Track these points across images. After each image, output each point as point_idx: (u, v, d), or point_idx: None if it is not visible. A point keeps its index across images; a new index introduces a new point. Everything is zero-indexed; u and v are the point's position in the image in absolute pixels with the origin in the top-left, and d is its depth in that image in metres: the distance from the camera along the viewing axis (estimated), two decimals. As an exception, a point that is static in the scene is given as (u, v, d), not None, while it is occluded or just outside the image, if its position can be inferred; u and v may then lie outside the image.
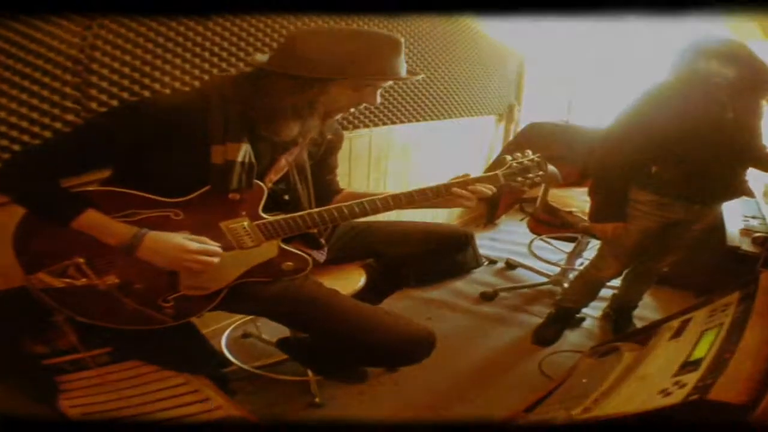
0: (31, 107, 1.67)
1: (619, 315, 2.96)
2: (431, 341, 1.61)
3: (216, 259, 1.47)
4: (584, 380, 1.90)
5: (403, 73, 1.48)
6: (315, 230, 1.65)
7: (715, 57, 2.03)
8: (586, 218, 2.80)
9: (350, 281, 1.85)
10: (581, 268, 3.09)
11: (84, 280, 1.45)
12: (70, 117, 1.75)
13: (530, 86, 4.75)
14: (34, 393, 1.51)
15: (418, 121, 3.49)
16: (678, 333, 1.83)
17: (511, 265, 3.77)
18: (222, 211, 1.49)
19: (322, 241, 1.74)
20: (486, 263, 3.76)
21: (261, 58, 1.51)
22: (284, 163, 1.60)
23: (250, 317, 2.56)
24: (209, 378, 1.66)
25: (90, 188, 1.45)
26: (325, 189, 1.83)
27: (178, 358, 1.66)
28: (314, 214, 1.55)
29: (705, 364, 1.46)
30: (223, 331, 2.55)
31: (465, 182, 1.62)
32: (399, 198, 1.59)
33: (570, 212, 2.99)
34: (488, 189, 1.64)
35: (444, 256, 2.03)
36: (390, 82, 1.54)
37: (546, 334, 2.82)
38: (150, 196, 1.44)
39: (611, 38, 4.28)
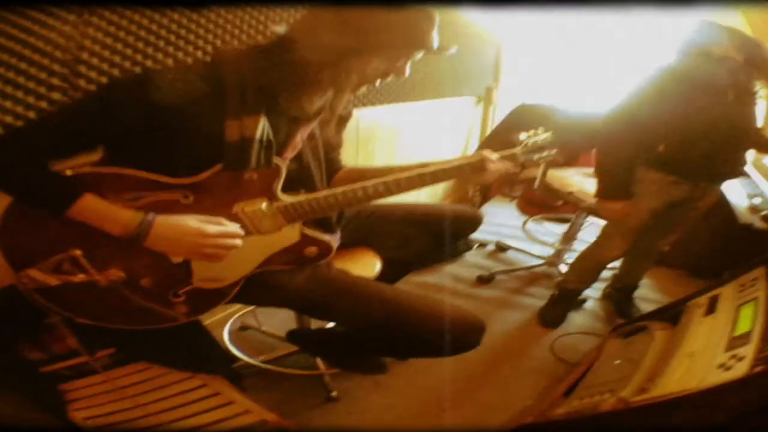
0: (16, 85, 1.48)
1: (620, 295, 2.93)
2: (482, 327, 1.50)
3: (238, 242, 1.31)
4: (617, 362, 1.82)
5: (437, 45, 1.37)
6: (335, 213, 1.52)
7: (719, 42, 2.07)
8: (587, 198, 2.79)
9: (367, 267, 1.72)
10: (577, 249, 3.09)
11: (82, 275, 1.27)
12: (56, 95, 1.57)
13: (508, 69, 4.68)
14: (39, 404, 1.33)
15: (403, 101, 3.37)
16: (711, 309, 1.78)
17: (501, 248, 3.69)
18: (237, 192, 1.33)
19: (334, 224, 1.61)
20: (476, 246, 3.67)
21: (279, 29, 1.36)
22: (299, 139, 1.45)
23: (249, 308, 2.41)
24: (226, 378, 1.51)
25: (84, 170, 1.26)
26: (328, 167, 1.68)
27: (190, 357, 1.51)
28: (338, 194, 1.40)
29: (756, 336, 1.43)
30: (221, 325, 2.38)
31: (488, 160, 1.53)
32: (423, 176, 1.48)
33: (570, 192, 2.93)
34: (510, 167, 1.58)
35: (458, 238, 1.95)
36: (420, 55, 1.42)
37: (552, 316, 2.77)
38: (155, 177, 1.26)
39: (590, 22, 4.25)
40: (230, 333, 2.35)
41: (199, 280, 1.35)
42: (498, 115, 4.53)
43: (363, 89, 1.44)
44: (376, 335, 1.54)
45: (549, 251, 3.50)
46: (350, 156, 2.94)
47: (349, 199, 1.41)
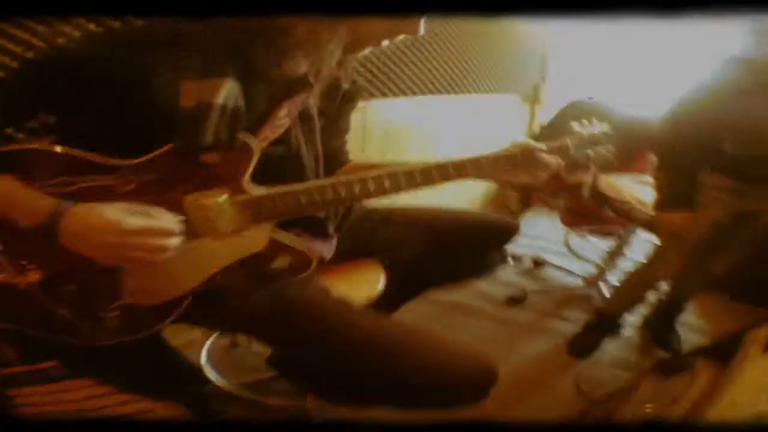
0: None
1: (662, 321, 2.61)
2: (490, 378, 1.17)
3: (172, 242, 0.99)
4: (648, 407, 1.51)
5: None
6: (323, 213, 1.23)
7: None
8: (645, 210, 2.48)
9: (366, 283, 1.41)
10: (622, 267, 2.88)
11: (1, 275, 1.02)
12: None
13: (557, 65, 4.38)
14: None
15: (440, 93, 3.11)
16: (770, 346, 1.48)
17: (538, 263, 3.36)
18: (190, 179, 1.04)
19: (331, 229, 1.32)
20: (510, 261, 3.34)
21: None
22: (285, 114, 1.14)
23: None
24: (185, 405, 1.25)
25: (15, 147, 1.00)
26: (329, 158, 1.36)
27: (145, 377, 1.25)
28: (325, 187, 1.10)
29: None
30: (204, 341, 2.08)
31: (533, 150, 1.25)
32: (446, 168, 1.18)
33: (626, 202, 2.60)
34: (559, 165, 1.29)
35: (486, 250, 1.65)
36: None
37: (583, 345, 2.49)
38: (91, 157, 0.99)
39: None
40: (211, 350, 2.04)
41: (129, 293, 1.07)
42: (546, 116, 4.18)
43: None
44: (344, 377, 1.21)
45: (590, 269, 3.17)
46: (377, 151, 2.66)
47: (341, 195, 1.11)
